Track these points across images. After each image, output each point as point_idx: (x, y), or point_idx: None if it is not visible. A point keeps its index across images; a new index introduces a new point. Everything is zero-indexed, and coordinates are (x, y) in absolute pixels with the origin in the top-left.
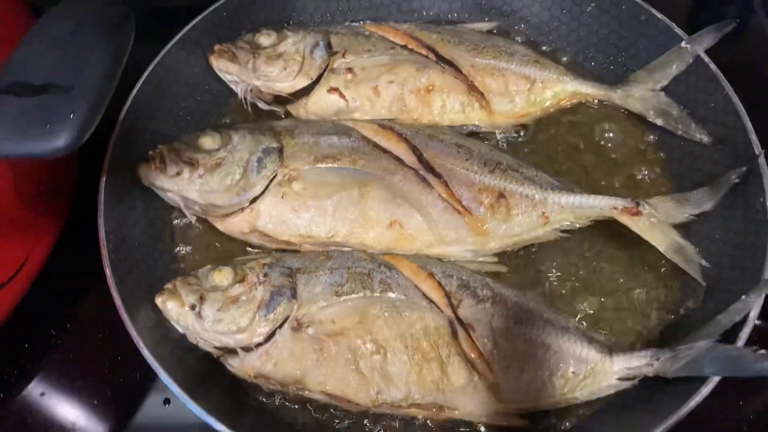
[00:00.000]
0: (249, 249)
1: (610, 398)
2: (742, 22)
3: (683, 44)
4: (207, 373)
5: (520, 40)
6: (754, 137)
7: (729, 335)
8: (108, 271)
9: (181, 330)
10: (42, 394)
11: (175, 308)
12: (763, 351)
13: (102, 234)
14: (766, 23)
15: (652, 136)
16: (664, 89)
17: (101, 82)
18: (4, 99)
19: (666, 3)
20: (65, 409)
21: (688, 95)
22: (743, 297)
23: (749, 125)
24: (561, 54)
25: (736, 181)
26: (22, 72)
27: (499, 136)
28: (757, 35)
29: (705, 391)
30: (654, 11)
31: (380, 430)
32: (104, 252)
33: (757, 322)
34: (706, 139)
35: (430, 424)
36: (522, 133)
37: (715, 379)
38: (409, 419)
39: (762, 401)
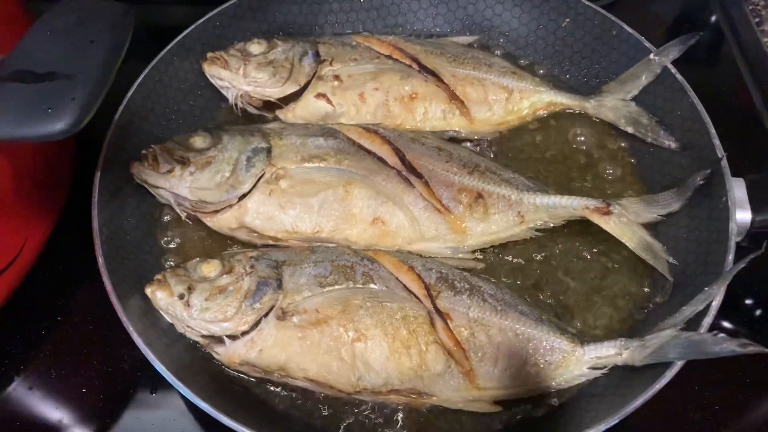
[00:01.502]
0: (237, 246)
1: (582, 386)
2: (715, 50)
3: (652, 56)
4: (194, 360)
5: (499, 54)
6: (717, 142)
7: (692, 325)
8: (101, 260)
9: (169, 319)
10: (30, 388)
11: (164, 297)
12: (722, 335)
13: (95, 225)
14: (735, 51)
15: (623, 143)
16: (635, 99)
17: (101, 71)
18: (10, 86)
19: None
20: (54, 400)
21: (656, 104)
22: (706, 288)
23: (713, 131)
24: (538, 67)
25: (701, 183)
26: (26, 61)
27: (477, 142)
28: (727, 61)
29: (669, 374)
30: (624, 26)
31: (359, 417)
32: (97, 242)
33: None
34: (673, 145)
35: (403, 419)
36: (499, 140)
37: (677, 366)
38: (390, 408)
39: (726, 391)
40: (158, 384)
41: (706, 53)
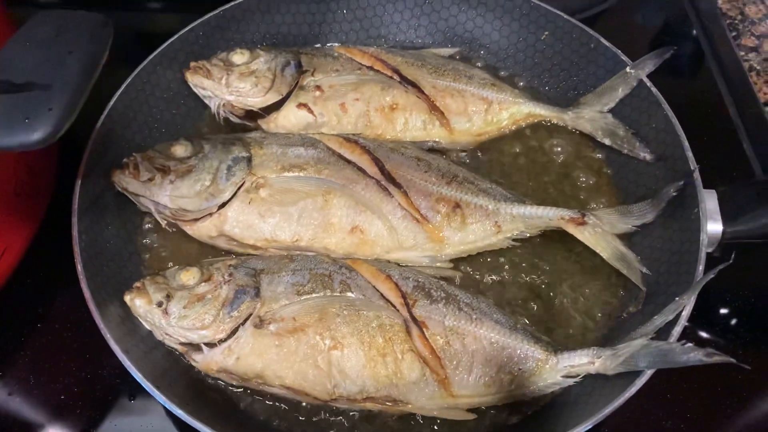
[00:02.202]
0: (217, 255)
1: (555, 394)
2: (696, 63)
3: (628, 69)
4: (171, 368)
5: (480, 65)
6: (690, 154)
7: (663, 334)
8: (79, 267)
9: (147, 326)
10: (9, 394)
11: (142, 305)
12: (690, 344)
13: (75, 232)
14: (712, 64)
15: (600, 155)
16: (611, 111)
17: (78, 81)
18: None
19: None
20: (34, 406)
21: (632, 116)
22: (677, 298)
23: (686, 143)
24: (518, 78)
25: (674, 194)
26: (4, 71)
27: (457, 153)
28: (708, 73)
29: (639, 383)
30: (602, 39)
31: (339, 421)
32: (76, 249)
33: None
34: (648, 156)
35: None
36: (479, 151)
37: (647, 374)
38: (366, 414)
39: (698, 399)
40: (137, 391)
41: (688, 66)
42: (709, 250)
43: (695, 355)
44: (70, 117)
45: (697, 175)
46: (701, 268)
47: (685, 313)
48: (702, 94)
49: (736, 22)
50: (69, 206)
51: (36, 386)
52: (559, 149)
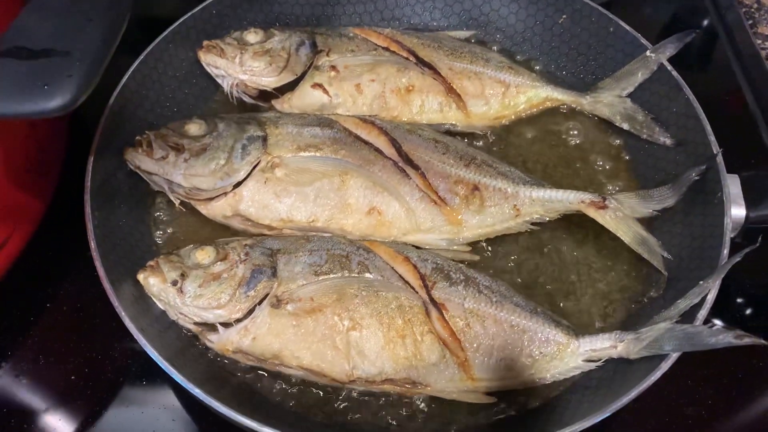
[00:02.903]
0: (230, 234)
1: (576, 378)
2: (707, 53)
3: (648, 53)
4: (186, 347)
5: (496, 49)
6: (712, 138)
7: (687, 318)
8: (93, 245)
9: (161, 306)
10: (17, 376)
11: (156, 284)
12: (718, 326)
13: (88, 210)
14: (729, 52)
15: (618, 140)
16: (630, 96)
17: (98, 48)
18: (5, 62)
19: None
20: (42, 388)
21: (652, 101)
22: (701, 282)
23: (708, 128)
24: (534, 62)
25: (696, 178)
26: (22, 38)
27: (473, 136)
28: (720, 63)
29: (665, 366)
30: (621, 23)
31: (355, 408)
32: (89, 227)
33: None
34: (668, 141)
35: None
36: (494, 135)
37: (672, 358)
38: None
39: (720, 385)
40: (148, 373)
41: (698, 56)
42: (732, 234)
43: (724, 338)
44: (90, 84)
45: (720, 159)
46: (726, 252)
47: (710, 297)
48: (717, 84)
49: (753, 10)
50: (78, 186)
51: (45, 367)
52: (576, 134)
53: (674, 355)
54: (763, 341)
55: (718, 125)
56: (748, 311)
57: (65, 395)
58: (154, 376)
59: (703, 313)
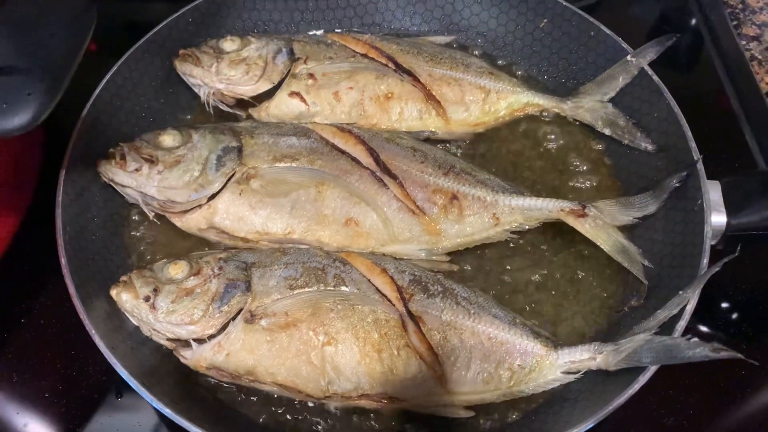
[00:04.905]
0: (207, 248)
1: (555, 391)
2: (695, 53)
3: (629, 58)
4: (159, 364)
5: (477, 54)
6: (693, 144)
7: (667, 329)
8: (63, 261)
9: (134, 322)
10: None
11: (129, 300)
12: (695, 339)
13: (59, 224)
14: (714, 54)
15: (600, 145)
16: (612, 100)
17: (59, 66)
18: None
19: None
20: (17, 404)
21: (633, 106)
22: (680, 292)
23: (689, 133)
24: (516, 67)
25: (677, 185)
26: None
27: (453, 143)
28: (706, 64)
29: (643, 379)
30: (603, 27)
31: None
32: (60, 242)
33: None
34: (650, 147)
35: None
36: (474, 142)
37: (651, 370)
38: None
39: (701, 395)
40: (124, 389)
41: (686, 57)
42: (713, 242)
43: (701, 351)
44: (51, 103)
45: (700, 165)
46: (705, 261)
47: (690, 308)
48: (702, 85)
49: (737, 11)
50: (53, 197)
51: (19, 384)
52: (557, 140)
53: (653, 368)
54: (739, 355)
55: (701, 128)
56: (734, 316)
57: (40, 412)
58: (130, 392)
59: (681, 324)
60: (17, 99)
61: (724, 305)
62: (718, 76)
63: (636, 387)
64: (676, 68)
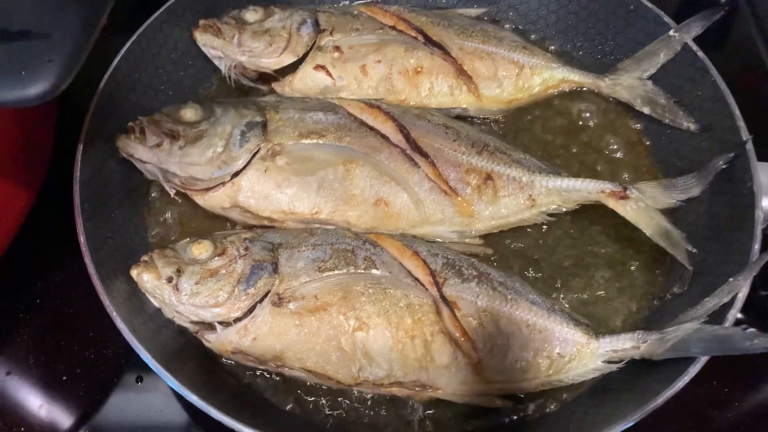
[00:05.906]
0: (229, 226)
1: (595, 381)
2: (724, 32)
3: (671, 33)
4: (182, 347)
5: (508, 28)
6: (741, 124)
7: (716, 318)
8: (82, 239)
9: (156, 303)
10: (8, 374)
11: (150, 280)
12: (752, 329)
13: (77, 201)
14: (754, 29)
15: (638, 125)
16: (652, 78)
17: (81, 30)
18: None
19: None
20: (34, 386)
21: (675, 83)
22: (731, 279)
23: (737, 112)
24: (549, 42)
25: (724, 167)
26: None
27: (484, 120)
28: (739, 43)
29: (693, 370)
30: (643, 0)
31: (359, 412)
32: (78, 220)
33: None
34: (693, 126)
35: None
36: (507, 118)
37: (701, 361)
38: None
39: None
40: (144, 371)
41: (714, 36)
42: (763, 226)
43: (760, 342)
44: (72, 70)
45: (750, 146)
46: (757, 246)
47: (741, 296)
48: (735, 65)
49: None
50: (68, 175)
51: (36, 366)
52: (592, 118)
53: (703, 359)
54: None
55: (748, 107)
56: None
57: (57, 395)
58: (149, 375)
59: (734, 313)
60: (36, 65)
61: (764, 293)
62: (756, 54)
63: (686, 378)
64: (706, 46)
